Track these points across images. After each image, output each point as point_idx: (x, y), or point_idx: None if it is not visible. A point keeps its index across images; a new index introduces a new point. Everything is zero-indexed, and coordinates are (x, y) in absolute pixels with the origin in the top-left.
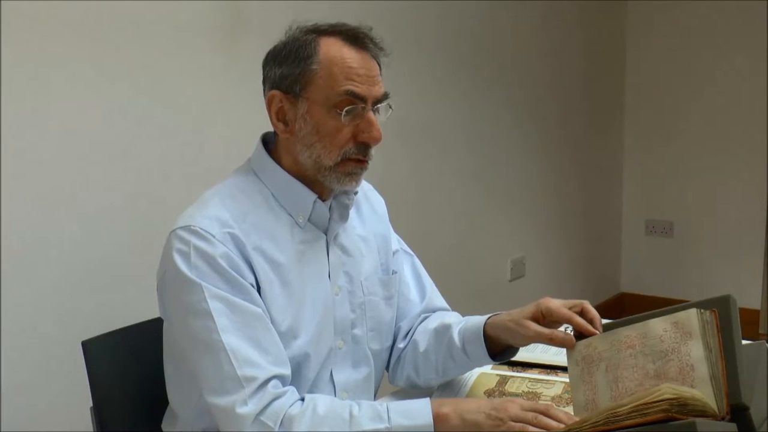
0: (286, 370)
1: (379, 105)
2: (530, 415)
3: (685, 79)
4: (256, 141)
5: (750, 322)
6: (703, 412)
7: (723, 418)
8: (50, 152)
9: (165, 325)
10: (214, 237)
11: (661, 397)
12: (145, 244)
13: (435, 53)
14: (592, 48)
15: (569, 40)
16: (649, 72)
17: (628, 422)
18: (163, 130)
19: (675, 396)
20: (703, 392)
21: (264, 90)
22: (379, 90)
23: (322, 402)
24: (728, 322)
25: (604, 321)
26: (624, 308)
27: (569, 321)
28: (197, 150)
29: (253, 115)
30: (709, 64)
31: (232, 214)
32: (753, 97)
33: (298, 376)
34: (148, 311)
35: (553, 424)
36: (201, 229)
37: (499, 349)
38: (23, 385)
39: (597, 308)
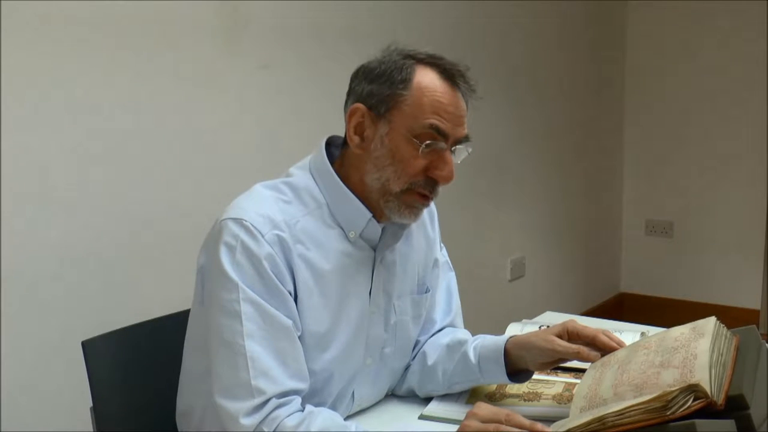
0: (303, 384)
1: (458, 146)
2: (491, 427)
3: (685, 79)
4: (320, 143)
5: (750, 322)
6: (694, 392)
7: (716, 404)
8: (50, 152)
9: (196, 310)
10: (263, 236)
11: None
12: (145, 244)
13: (435, 51)
14: (592, 48)
15: (569, 40)
16: (649, 72)
17: (625, 420)
18: (163, 130)
19: (666, 393)
20: (701, 377)
21: (347, 102)
22: (461, 131)
23: (319, 420)
24: (757, 347)
25: (610, 322)
26: (624, 308)
27: (594, 339)
28: (197, 150)
29: (251, 115)
30: (710, 64)
31: (284, 216)
32: (753, 97)
33: (321, 393)
34: (148, 311)
35: (516, 431)
36: (252, 225)
37: (514, 371)
38: (23, 385)
39: (597, 308)
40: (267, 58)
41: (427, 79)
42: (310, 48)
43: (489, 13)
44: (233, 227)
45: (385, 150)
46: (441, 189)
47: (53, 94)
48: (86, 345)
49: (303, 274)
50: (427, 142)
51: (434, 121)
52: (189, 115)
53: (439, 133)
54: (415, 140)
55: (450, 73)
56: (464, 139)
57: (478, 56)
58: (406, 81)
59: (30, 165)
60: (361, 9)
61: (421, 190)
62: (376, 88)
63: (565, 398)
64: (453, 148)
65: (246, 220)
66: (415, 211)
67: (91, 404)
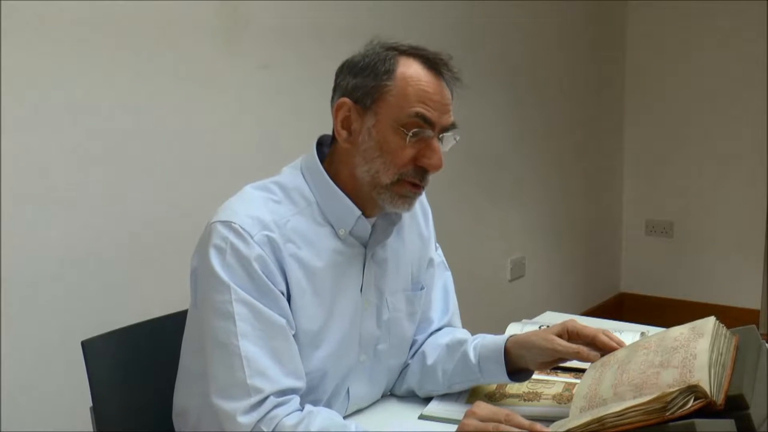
0: (299, 383)
1: (445, 134)
2: (491, 426)
3: (685, 79)
4: (312, 143)
5: (750, 322)
6: (694, 393)
7: (715, 404)
8: (50, 152)
9: (191, 312)
10: (252, 238)
11: (652, 401)
12: (145, 244)
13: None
14: (593, 48)
15: (569, 40)
16: (649, 72)
17: (624, 420)
18: (163, 130)
19: (666, 394)
20: (700, 377)
21: (333, 97)
22: (448, 119)
23: (319, 420)
24: (757, 347)
25: (610, 322)
26: (624, 308)
27: (594, 339)
28: (197, 150)
29: (251, 115)
30: (710, 64)
31: (274, 216)
32: (753, 97)
33: (316, 390)
34: (148, 311)
35: (515, 431)
36: (241, 227)
37: (514, 370)
38: (23, 385)
39: (597, 308)
40: (267, 58)
41: (410, 69)
42: (310, 48)
43: (489, 13)
44: (222, 230)
45: (373, 142)
46: (441, 190)
47: (53, 94)
48: (86, 345)
49: (295, 272)
50: (414, 130)
51: (420, 109)
52: (189, 115)
53: (425, 122)
54: (401, 129)
55: (433, 62)
56: (451, 127)
57: (478, 56)
58: (390, 72)
59: (30, 165)
60: (361, 9)
61: (411, 180)
62: (361, 81)
63: (564, 398)
64: (440, 136)
65: (235, 222)
66: (408, 200)
67: (91, 404)
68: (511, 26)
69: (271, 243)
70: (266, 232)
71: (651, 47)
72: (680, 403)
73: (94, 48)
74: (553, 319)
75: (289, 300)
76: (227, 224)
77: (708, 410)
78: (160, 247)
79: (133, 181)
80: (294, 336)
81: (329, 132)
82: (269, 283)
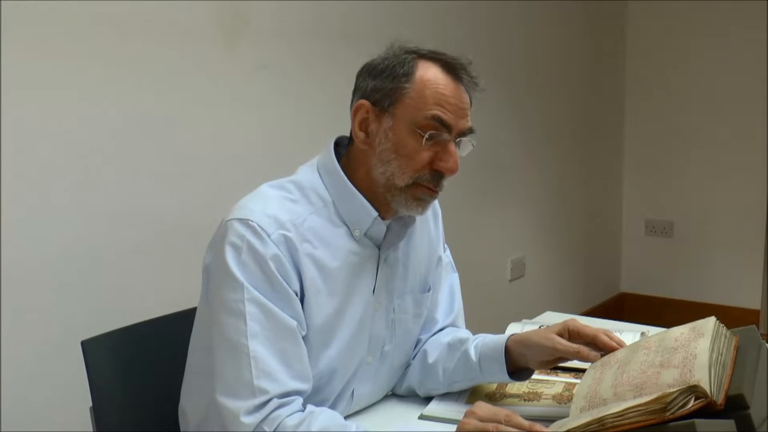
0: (305, 385)
1: (462, 138)
2: (490, 426)
3: (685, 79)
4: (329, 143)
5: (750, 322)
6: (694, 393)
7: (715, 404)
8: (50, 152)
9: (201, 309)
10: (269, 237)
11: (652, 401)
12: (145, 243)
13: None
14: (592, 48)
15: (570, 40)
16: (649, 72)
17: (624, 420)
18: (163, 130)
19: (666, 394)
20: (700, 377)
21: (352, 99)
22: (465, 123)
23: (320, 420)
24: (757, 347)
25: (610, 322)
26: (624, 308)
27: (595, 339)
28: (197, 150)
29: (251, 115)
30: (710, 64)
31: (290, 216)
32: (753, 97)
33: (323, 390)
34: (148, 311)
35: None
36: (258, 226)
37: (515, 369)
38: (23, 385)
39: (597, 308)
40: (267, 58)
41: (429, 72)
42: (310, 48)
43: (489, 13)
44: (239, 228)
45: (390, 144)
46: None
47: (53, 93)
48: (86, 345)
49: (310, 272)
50: (430, 132)
51: (437, 112)
52: (189, 116)
53: (442, 125)
54: (418, 131)
55: (452, 67)
56: (468, 132)
57: (479, 56)
58: (409, 74)
59: (30, 165)
60: (361, 9)
61: (426, 184)
62: (380, 83)
63: (565, 398)
64: (457, 141)
65: (252, 221)
66: (422, 203)
67: (91, 404)
68: (511, 26)
69: (288, 242)
70: (283, 232)
71: (651, 47)
72: (680, 403)
73: (93, 48)
74: (553, 319)
75: (302, 299)
76: (244, 222)
77: (708, 410)
78: (160, 246)
79: (133, 181)
80: (306, 336)
81: (330, 131)
82: (284, 282)
